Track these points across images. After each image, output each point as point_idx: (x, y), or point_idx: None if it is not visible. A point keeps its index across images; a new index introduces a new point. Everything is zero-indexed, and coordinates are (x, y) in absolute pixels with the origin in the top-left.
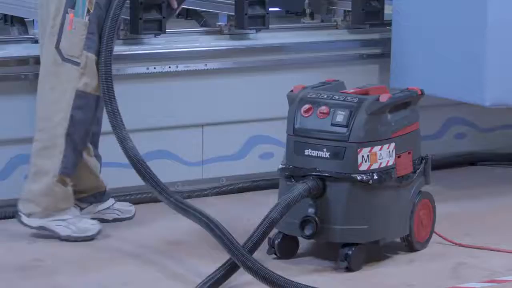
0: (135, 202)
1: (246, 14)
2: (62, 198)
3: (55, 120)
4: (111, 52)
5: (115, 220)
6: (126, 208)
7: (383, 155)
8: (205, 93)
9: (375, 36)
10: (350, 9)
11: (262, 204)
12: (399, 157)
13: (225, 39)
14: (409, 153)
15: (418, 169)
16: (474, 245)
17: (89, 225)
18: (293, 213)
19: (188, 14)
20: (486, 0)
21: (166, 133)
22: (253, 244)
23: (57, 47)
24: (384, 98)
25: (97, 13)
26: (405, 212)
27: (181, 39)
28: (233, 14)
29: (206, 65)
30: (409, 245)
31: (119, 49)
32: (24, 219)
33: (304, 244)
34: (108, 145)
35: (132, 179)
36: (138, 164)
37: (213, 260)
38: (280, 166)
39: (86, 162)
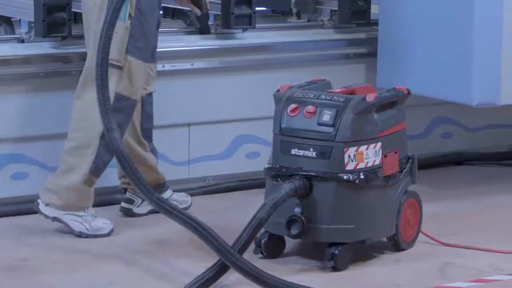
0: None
1: (232, 13)
2: (84, 197)
3: (92, 121)
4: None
5: None
6: (183, 198)
7: (370, 155)
8: (192, 92)
9: (362, 35)
10: (336, 8)
11: (249, 204)
12: (385, 156)
13: (212, 39)
14: (395, 152)
15: (404, 168)
16: (461, 244)
17: (102, 224)
18: (279, 212)
19: (174, 14)
20: None
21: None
22: (242, 245)
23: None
24: (370, 97)
25: (138, 17)
26: (391, 212)
27: (168, 39)
28: (220, 13)
29: (192, 64)
30: (396, 245)
31: None
32: (42, 207)
33: (290, 243)
34: None
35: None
36: (123, 159)
37: (200, 260)
38: (267, 165)
39: (144, 157)
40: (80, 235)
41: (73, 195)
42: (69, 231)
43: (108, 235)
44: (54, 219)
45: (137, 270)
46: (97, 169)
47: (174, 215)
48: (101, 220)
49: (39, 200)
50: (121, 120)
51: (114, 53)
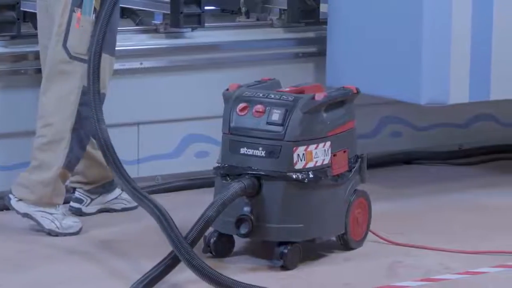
0: None
1: (181, 12)
2: (58, 193)
3: (62, 116)
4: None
5: (123, 209)
6: None
7: (319, 154)
8: (141, 91)
9: (311, 34)
10: (285, 7)
11: (198, 203)
12: (334, 155)
13: (161, 38)
14: (344, 151)
15: (353, 167)
16: (410, 243)
17: (72, 223)
18: (228, 211)
19: (123, 13)
20: None
21: None
22: (190, 243)
23: (64, 45)
24: (319, 96)
25: None
26: (340, 211)
27: (117, 38)
28: (169, 12)
29: (141, 63)
30: (345, 244)
31: None
32: (13, 202)
33: (239, 242)
34: None
35: None
36: (106, 148)
37: (152, 258)
38: (216, 164)
39: (92, 154)
40: (50, 232)
41: (47, 190)
42: (39, 228)
43: (77, 233)
44: (25, 215)
45: (86, 269)
46: (71, 163)
47: (144, 203)
48: (70, 219)
49: (10, 195)
50: (89, 113)
51: (80, 47)
